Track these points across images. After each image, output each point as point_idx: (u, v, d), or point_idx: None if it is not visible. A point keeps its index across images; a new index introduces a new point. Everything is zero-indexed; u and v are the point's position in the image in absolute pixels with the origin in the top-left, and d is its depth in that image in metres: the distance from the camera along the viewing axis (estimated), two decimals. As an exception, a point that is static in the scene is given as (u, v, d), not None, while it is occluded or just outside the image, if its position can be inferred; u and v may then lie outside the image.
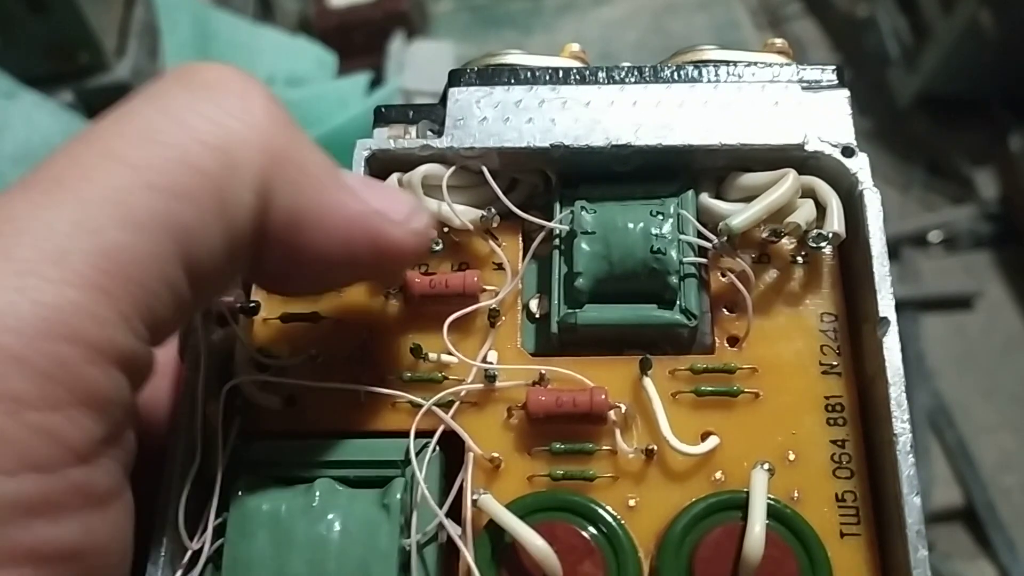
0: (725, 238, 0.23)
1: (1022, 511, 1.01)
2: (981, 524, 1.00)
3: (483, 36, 1.30)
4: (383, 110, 0.26)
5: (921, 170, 1.27)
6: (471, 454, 0.22)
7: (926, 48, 1.25)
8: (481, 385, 0.23)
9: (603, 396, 0.22)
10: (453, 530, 0.21)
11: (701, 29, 1.41)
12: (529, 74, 0.25)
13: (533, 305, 0.25)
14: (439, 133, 0.25)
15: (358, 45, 1.07)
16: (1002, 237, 1.20)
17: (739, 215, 0.23)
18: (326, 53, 0.99)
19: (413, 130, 0.26)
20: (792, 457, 0.22)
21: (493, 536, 0.22)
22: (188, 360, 0.23)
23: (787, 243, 0.24)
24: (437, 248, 0.24)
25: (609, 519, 0.22)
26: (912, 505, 0.20)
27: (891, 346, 0.22)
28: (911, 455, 0.21)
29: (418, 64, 1.06)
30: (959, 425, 1.05)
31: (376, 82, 1.00)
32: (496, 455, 0.23)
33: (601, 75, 0.25)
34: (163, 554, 0.21)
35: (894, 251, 1.19)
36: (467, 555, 0.21)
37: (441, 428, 0.23)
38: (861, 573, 0.21)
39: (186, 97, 0.18)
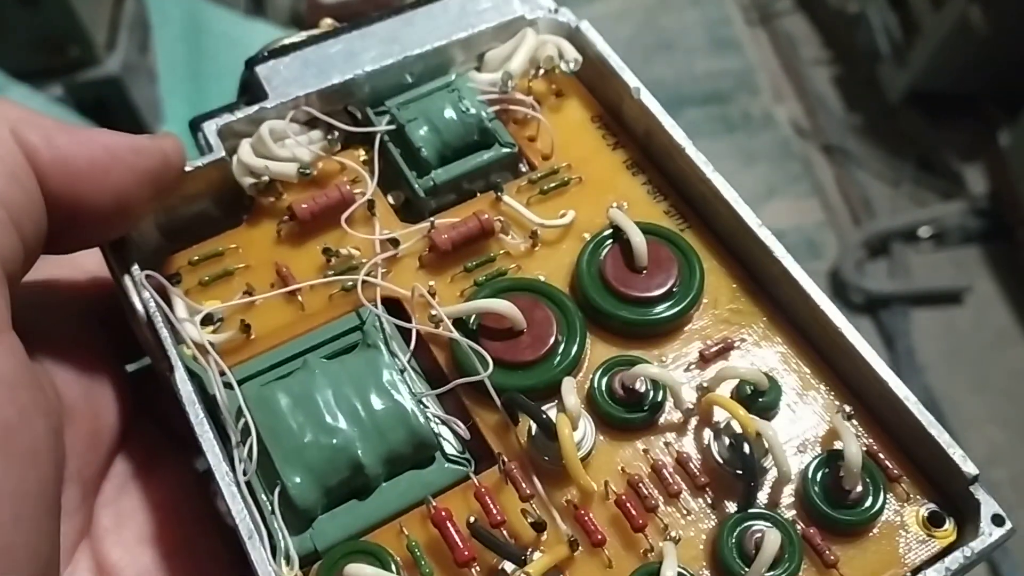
0: (508, 82, 0.31)
1: (1012, 505, 0.99)
2: None
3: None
4: (196, 121, 0.31)
5: (911, 166, 1.28)
6: (414, 291, 0.27)
7: (916, 44, 1.25)
8: (389, 252, 0.29)
9: (485, 216, 0.29)
10: (435, 324, 0.26)
11: (693, 25, 1.41)
12: (307, 41, 0.32)
13: (392, 198, 0.31)
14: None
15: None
16: (991, 232, 1.21)
17: (513, 61, 0.31)
18: (315, 47, 0.97)
19: (239, 112, 0.31)
20: (625, 204, 0.30)
21: (461, 326, 0.27)
22: (150, 318, 0.26)
23: (544, 84, 0.32)
24: (307, 172, 0.29)
25: (533, 280, 0.28)
26: (716, 179, 0.28)
27: (649, 100, 0.30)
28: (699, 154, 0.29)
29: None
30: (948, 419, 1.06)
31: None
32: (429, 284, 0.28)
33: (362, 24, 0.32)
34: (215, 447, 0.24)
35: (884, 246, 1.22)
36: (456, 335, 0.26)
37: (378, 291, 0.28)
38: (707, 245, 0.29)
39: None
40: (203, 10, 0.96)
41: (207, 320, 0.27)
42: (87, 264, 0.29)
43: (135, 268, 0.27)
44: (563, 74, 0.32)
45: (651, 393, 0.26)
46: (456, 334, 0.26)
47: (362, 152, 0.31)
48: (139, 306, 0.26)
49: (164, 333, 0.26)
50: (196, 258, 0.29)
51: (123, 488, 0.27)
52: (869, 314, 1.18)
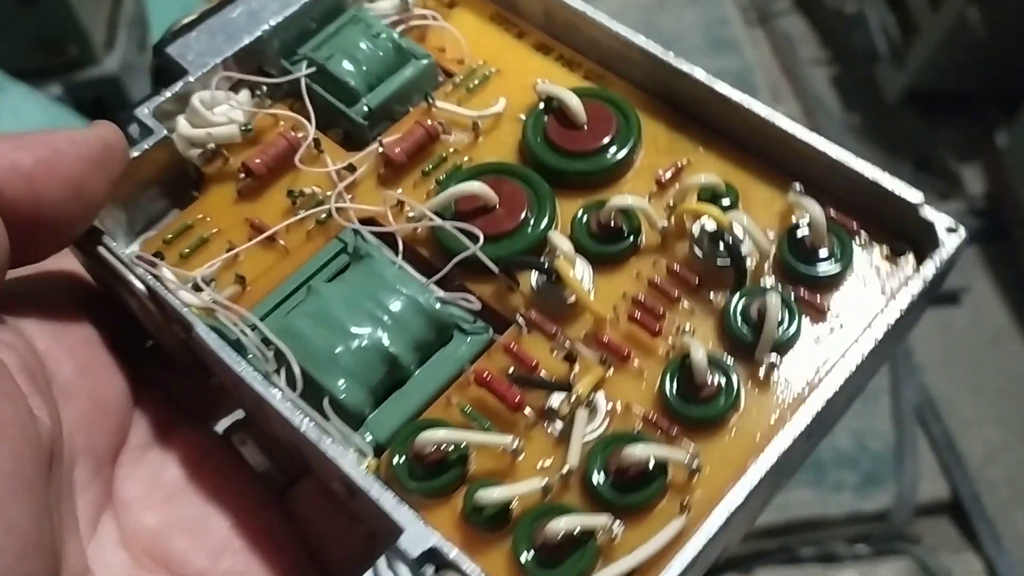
0: (408, 2, 0.33)
1: (1008, 504, 1.02)
2: (968, 517, 1.01)
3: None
4: (121, 116, 0.32)
5: (909, 166, 1.26)
6: (385, 204, 0.29)
7: (914, 45, 1.24)
8: (349, 178, 0.30)
9: (428, 121, 0.31)
10: (420, 222, 0.28)
11: (691, 25, 1.37)
12: (206, 12, 0.33)
13: (332, 135, 0.32)
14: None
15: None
16: (989, 232, 1.20)
17: (404, -20, 0.33)
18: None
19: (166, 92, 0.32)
20: (547, 80, 0.32)
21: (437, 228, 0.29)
22: (151, 290, 0.27)
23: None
24: (249, 128, 0.31)
25: (488, 163, 0.30)
26: (621, 29, 0.31)
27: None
28: (599, 12, 0.32)
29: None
30: (945, 419, 1.06)
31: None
32: (398, 193, 0.30)
33: (250, -12, 0.33)
34: (254, 373, 0.25)
35: None
36: (438, 221, 0.28)
37: (353, 214, 0.29)
38: (631, 94, 0.31)
39: None
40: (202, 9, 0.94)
41: (199, 287, 0.28)
42: (72, 265, 0.29)
43: (122, 251, 0.27)
44: (451, -15, 0.34)
45: (627, 223, 0.28)
46: (438, 220, 0.28)
47: (290, 103, 0.32)
48: (138, 283, 0.27)
49: (171, 299, 0.27)
50: (170, 236, 0.30)
51: (142, 458, 0.28)
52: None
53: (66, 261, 0.29)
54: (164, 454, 0.28)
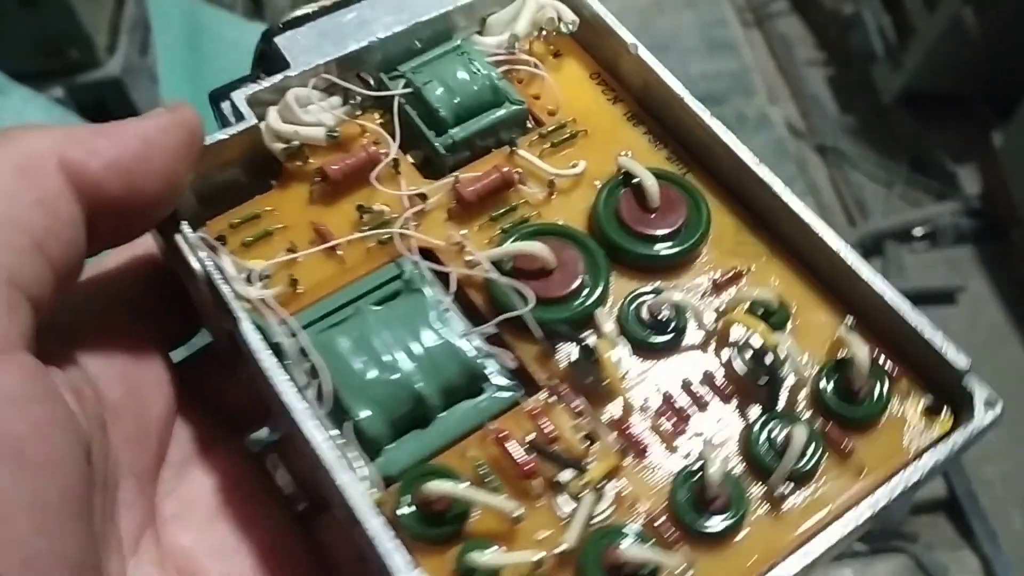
0: (515, 44, 0.33)
1: (1004, 502, 1.04)
2: (964, 515, 1.03)
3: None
4: (216, 92, 0.33)
5: (905, 166, 1.29)
6: (447, 241, 0.30)
7: (910, 46, 1.27)
8: (419, 206, 0.31)
9: (506, 168, 0.31)
10: (476, 268, 0.29)
11: (688, 27, 1.40)
12: (320, 11, 0.33)
13: (412, 157, 0.33)
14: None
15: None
16: (985, 232, 1.23)
17: (518, 24, 0.33)
18: (314, 49, 0.96)
19: (264, 81, 0.32)
20: (629, 152, 0.32)
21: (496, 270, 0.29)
22: (209, 275, 0.28)
23: (544, 46, 0.35)
24: (335, 135, 0.31)
25: (557, 224, 0.30)
26: (714, 124, 0.31)
27: (646, 55, 0.33)
28: (696, 101, 0.32)
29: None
30: None
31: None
32: (461, 235, 0.30)
33: (368, -4, 0.34)
34: (290, 385, 0.26)
35: (878, 246, 1.24)
36: (495, 275, 0.28)
37: (414, 241, 0.30)
38: (708, 185, 0.32)
39: None
40: (203, 12, 0.96)
41: (253, 278, 0.29)
42: (123, 252, 0.30)
43: (187, 230, 0.28)
44: (561, 35, 0.34)
45: (675, 318, 0.28)
46: (495, 274, 0.28)
47: (378, 116, 0.33)
48: (197, 266, 0.28)
49: (224, 289, 0.27)
50: (236, 221, 0.30)
51: (181, 475, 0.29)
52: None
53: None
54: (202, 474, 0.29)
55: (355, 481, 0.24)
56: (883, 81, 1.34)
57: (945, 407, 0.27)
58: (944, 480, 1.04)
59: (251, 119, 0.31)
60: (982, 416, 0.26)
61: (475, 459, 0.26)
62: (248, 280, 0.29)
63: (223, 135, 0.30)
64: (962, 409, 0.27)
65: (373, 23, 0.33)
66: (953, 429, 0.27)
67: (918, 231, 1.25)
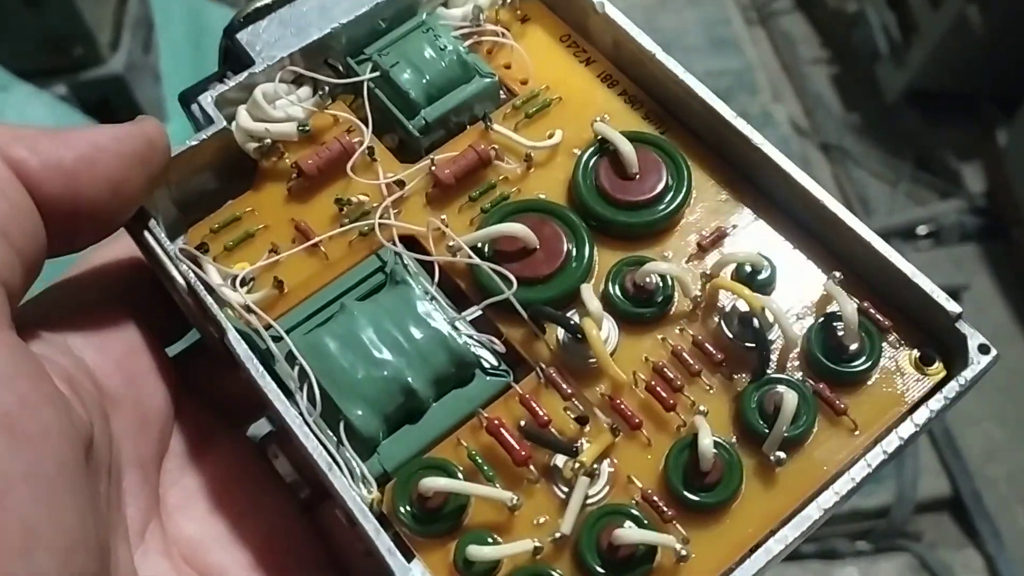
0: (480, 15, 0.32)
1: (1008, 501, 1.03)
2: (968, 514, 1.02)
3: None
4: (185, 95, 0.32)
5: (909, 164, 1.28)
6: (427, 228, 0.29)
7: (914, 44, 1.26)
8: (397, 193, 0.30)
9: (481, 146, 0.31)
10: (459, 253, 0.29)
11: (691, 24, 1.40)
12: (278, 1, 0.33)
13: (387, 141, 0.32)
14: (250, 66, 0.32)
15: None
16: (989, 231, 1.22)
17: (482, -4, 0.32)
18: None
19: (226, 83, 0.32)
20: (606, 116, 0.32)
21: (477, 254, 0.29)
22: (192, 288, 0.28)
23: (510, 14, 0.34)
24: (306, 129, 0.31)
25: (536, 200, 0.30)
26: (689, 79, 0.30)
27: (614, 13, 0.32)
28: (668, 57, 0.31)
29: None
30: (946, 416, 1.09)
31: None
32: (442, 218, 0.30)
33: (328, -23, 0.33)
34: (280, 396, 0.26)
35: None
36: (477, 260, 0.28)
37: (395, 231, 0.30)
38: (686, 144, 0.31)
39: None
40: (206, 9, 0.96)
41: (240, 282, 0.29)
42: (115, 251, 0.30)
43: (167, 243, 0.28)
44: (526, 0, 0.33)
45: (661, 287, 0.28)
46: (476, 259, 0.28)
47: (350, 102, 0.32)
48: (180, 279, 0.28)
49: (209, 300, 0.28)
50: (216, 226, 0.30)
51: (184, 466, 0.29)
52: None
53: (120, 243, 0.29)
54: (205, 463, 0.29)
55: (350, 486, 0.25)
56: (887, 79, 1.33)
57: (937, 357, 0.27)
58: (948, 479, 1.05)
59: (220, 122, 0.30)
60: (977, 362, 0.26)
61: (469, 449, 0.27)
62: (233, 285, 0.29)
63: (194, 141, 0.30)
64: (955, 357, 0.27)
65: (333, 8, 0.32)
66: (948, 378, 0.27)
67: (922, 229, 1.24)
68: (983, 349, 0.26)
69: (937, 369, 0.27)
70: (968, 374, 0.26)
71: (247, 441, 0.31)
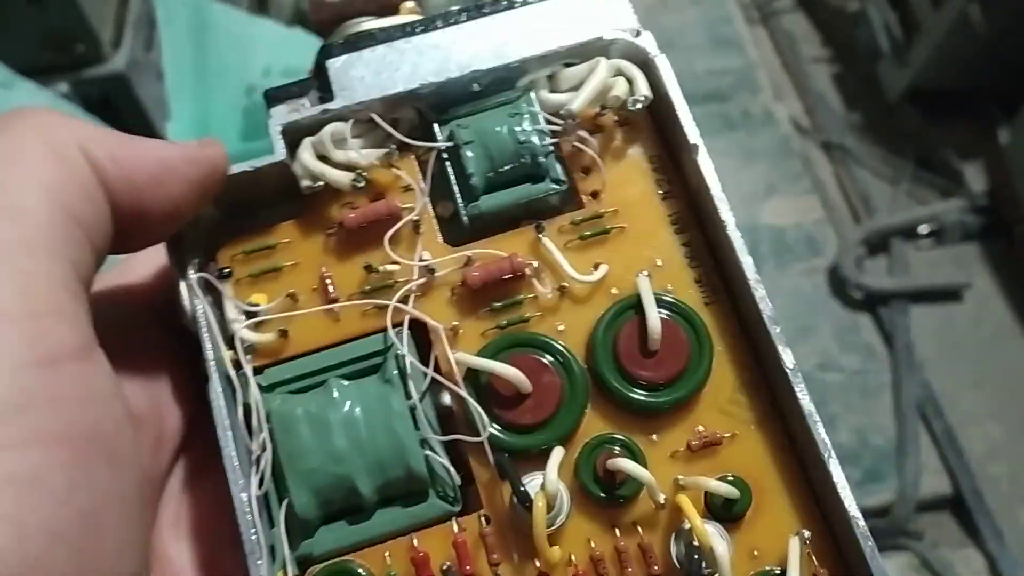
0: (570, 119, 0.31)
1: (1010, 500, 1.04)
2: (969, 513, 1.03)
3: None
4: (271, 93, 0.32)
5: (911, 163, 1.29)
6: (439, 328, 0.29)
7: (916, 42, 1.26)
8: (424, 279, 0.30)
9: (518, 258, 0.30)
10: (447, 380, 0.29)
11: (693, 23, 1.41)
12: (384, 34, 0.32)
13: (441, 208, 0.32)
14: (329, 98, 0.31)
15: (349, 41, 1.08)
16: (991, 230, 1.23)
17: (576, 100, 0.31)
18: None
19: (306, 101, 0.32)
20: (659, 263, 0.30)
21: (472, 382, 0.29)
22: (197, 324, 0.29)
23: (611, 115, 0.32)
24: (360, 185, 0.31)
25: (549, 340, 0.29)
26: (747, 264, 0.29)
27: (704, 162, 0.30)
28: (738, 233, 0.29)
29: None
30: (947, 415, 1.09)
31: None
32: (455, 323, 0.30)
33: (439, 22, 0.32)
34: (235, 463, 0.27)
35: (884, 243, 1.24)
36: (462, 393, 0.28)
37: (407, 318, 0.30)
38: (725, 327, 0.30)
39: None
40: (208, 8, 0.94)
41: (251, 315, 0.30)
42: (142, 266, 0.31)
43: (189, 272, 0.29)
44: (631, 111, 0.31)
45: (628, 482, 0.28)
46: (463, 392, 0.28)
47: (419, 155, 0.32)
48: (188, 308, 0.29)
49: (206, 343, 0.28)
50: (250, 249, 0.31)
51: (183, 486, 0.30)
52: (868, 310, 1.18)
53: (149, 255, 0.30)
54: (201, 489, 0.30)
55: (261, 566, 0.26)
56: (889, 78, 1.33)
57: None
58: (950, 478, 1.05)
59: (280, 154, 0.30)
60: None
61: (389, 569, 0.27)
62: (247, 315, 0.30)
63: (248, 167, 0.30)
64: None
65: (433, 60, 0.31)
66: None
67: (924, 228, 1.25)
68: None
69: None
70: None
71: None
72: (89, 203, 0.24)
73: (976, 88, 1.27)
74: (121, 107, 0.95)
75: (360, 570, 0.27)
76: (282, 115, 0.31)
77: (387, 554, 0.28)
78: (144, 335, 0.29)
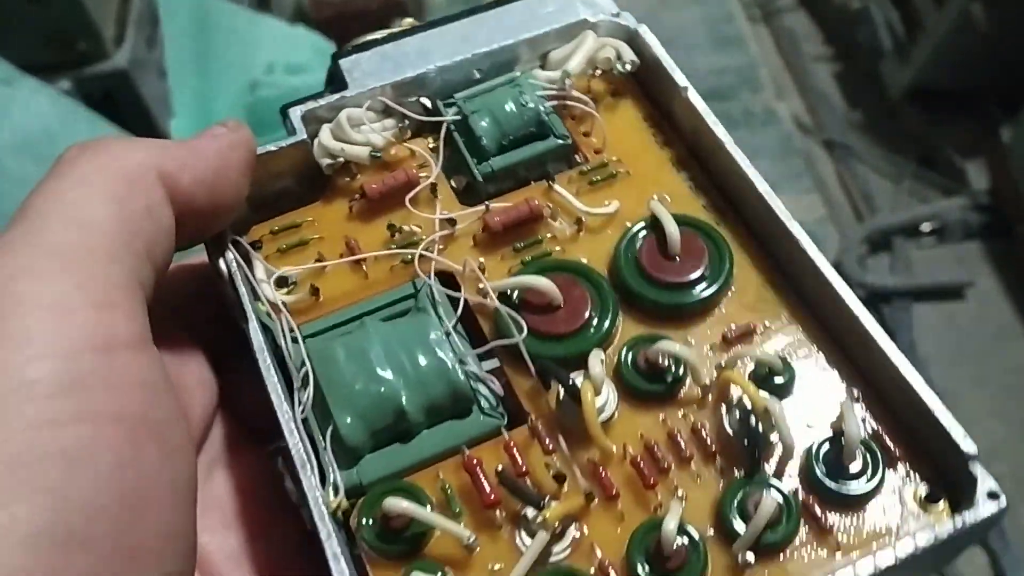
0: (566, 80, 0.33)
1: (1013, 498, 1.01)
2: None
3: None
4: (286, 105, 0.35)
5: (913, 162, 1.30)
6: (466, 264, 0.30)
7: (918, 41, 1.28)
8: (447, 230, 0.31)
9: (535, 201, 0.31)
10: (482, 296, 0.29)
11: (695, 22, 1.45)
12: (390, 36, 0.35)
13: (454, 182, 0.33)
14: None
15: (355, 34, 1.08)
16: (992, 228, 1.23)
17: (571, 61, 0.34)
18: (324, 41, 1.00)
19: (322, 100, 0.34)
20: (667, 198, 0.32)
21: (504, 299, 0.29)
22: (234, 287, 0.29)
23: (603, 84, 0.35)
24: (378, 155, 0.32)
25: (573, 262, 0.30)
26: (753, 175, 0.30)
27: (696, 99, 0.32)
28: (737, 149, 0.31)
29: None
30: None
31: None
32: (480, 261, 0.31)
33: (438, 25, 0.35)
34: (278, 387, 0.27)
35: (886, 241, 1.24)
36: (496, 303, 0.29)
37: (433, 264, 0.31)
38: (739, 240, 0.31)
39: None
40: (210, 5, 0.97)
41: (282, 282, 0.31)
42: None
43: (227, 235, 0.30)
44: (620, 74, 0.34)
45: (672, 368, 0.28)
46: (496, 302, 0.29)
47: (431, 140, 0.34)
48: (222, 266, 0.30)
49: (243, 290, 0.29)
50: (277, 228, 0.32)
51: (208, 476, 0.29)
52: (871, 309, 1.17)
53: None
54: (226, 477, 0.30)
55: (313, 487, 0.25)
56: (891, 76, 1.33)
57: (943, 497, 0.26)
58: None
59: (301, 134, 0.32)
60: (982, 507, 0.24)
61: (444, 482, 0.27)
62: (277, 284, 0.31)
63: (272, 147, 0.32)
64: (962, 498, 0.25)
65: (434, 52, 0.34)
66: (948, 521, 0.25)
67: (926, 226, 1.25)
68: (992, 495, 0.24)
69: (940, 510, 0.25)
70: (970, 518, 0.24)
71: (268, 462, 0.32)
72: (150, 220, 0.26)
73: (978, 87, 1.27)
74: (123, 104, 0.95)
75: (411, 487, 0.27)
76: (298, 111, 0.33)
77: (439, 474, 0.27)
78: (172, 329, 0.30)
